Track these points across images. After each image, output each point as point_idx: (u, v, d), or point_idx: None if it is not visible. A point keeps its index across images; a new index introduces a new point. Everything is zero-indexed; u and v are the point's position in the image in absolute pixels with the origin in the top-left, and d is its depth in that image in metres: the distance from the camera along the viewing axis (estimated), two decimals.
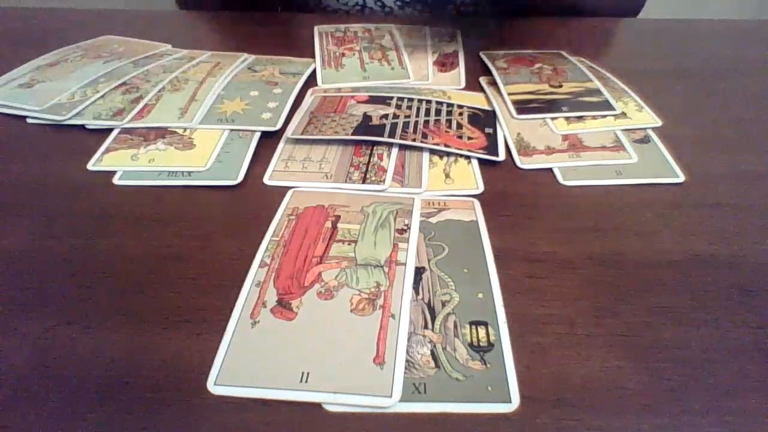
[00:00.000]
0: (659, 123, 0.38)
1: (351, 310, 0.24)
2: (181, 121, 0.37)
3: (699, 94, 0.44)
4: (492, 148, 0.36)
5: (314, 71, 0.45)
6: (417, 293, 0.25)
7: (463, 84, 0.44)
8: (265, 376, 0.22)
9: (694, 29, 0.57)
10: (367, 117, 0.38)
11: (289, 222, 0.30)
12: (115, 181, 0.33)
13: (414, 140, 0.35)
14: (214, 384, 0.21)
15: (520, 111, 0.39)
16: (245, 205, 0.31)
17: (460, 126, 0.38)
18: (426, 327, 0.24)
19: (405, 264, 0.27)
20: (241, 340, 0.23)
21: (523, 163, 0.35)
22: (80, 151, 0.35)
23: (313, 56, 0.48)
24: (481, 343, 0.23)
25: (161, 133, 0.37)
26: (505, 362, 0.22)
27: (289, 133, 0.36)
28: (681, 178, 0.33)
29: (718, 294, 0.26)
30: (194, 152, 0.35)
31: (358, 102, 0.40)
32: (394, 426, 0.20)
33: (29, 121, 0.38)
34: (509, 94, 0.41)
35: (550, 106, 0.40)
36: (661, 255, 0.28)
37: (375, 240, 0.28)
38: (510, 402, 0.21)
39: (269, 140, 0.36)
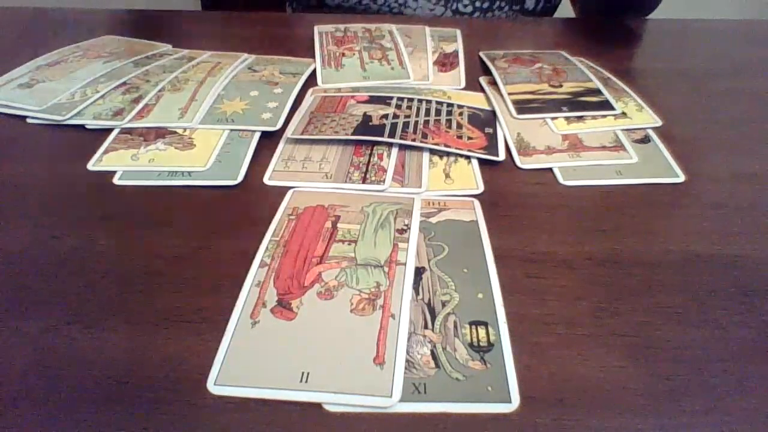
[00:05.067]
0: (659, 123, 0.38)
1: (351, 310, 0.24)
2: (181, 121, 0.37)
3: (699, 94, 0.44)
4: (492, 148, 0.36)
5: (314, 71, 0.45)
6: (417, 293, 0.25)
7: (463, 84, 0.44)
8: (265, 376, 0.22)
9: (694, 29, 0.57)
10: (367, 117, 0.38)
11: (289, 222, 0.30)
12: (115, 181, 0.33)
13: (414, 140, 0.35)
14: (214, 384, 0.21)
15: (520, 111, 0.39)
16: (245, 205, 0.31)
17: (460, 126, 0.38)
18: (426, 327, 0.24)
19: (405, 264, 0.27)
20: (241, 340, 0.23)
21: (523, 163, 0.35)
22: (80, 151, 0.35)
23: (313, 56, 0.48)
24: (481, 343, 0.23)
25: (161, 133, 0.37)
26: (505, 362, 0.22)
27: (289, 133, 0.36)
28: (681, 178, 0.33)
29: (718, 294, 0.26)
30: (194, 152, 0.35)
31: (358, 102, 0.40)
32: (394, 426, 0.20)
33: (29, 121, 0.38)
34: (509, 94, 0.41)
35: (550, 106, 0.40)
36: (661, 255, 0.28)
37: (375, 240, 0.28)
38: (510, 402, 0.21)
39: (269, 140, 0.36)
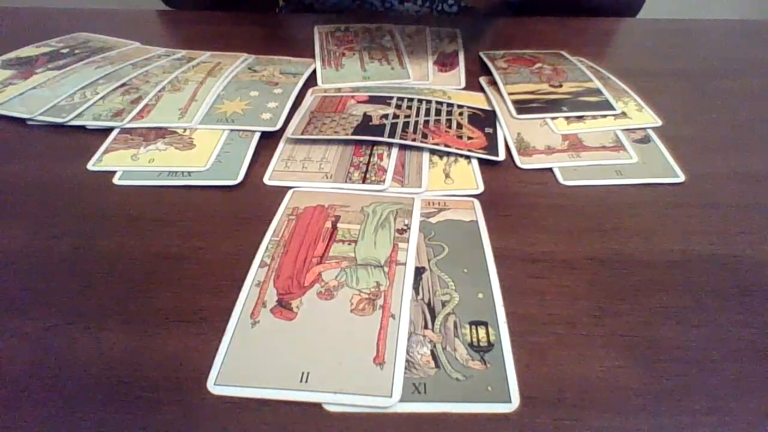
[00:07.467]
0: (659, 123, 0.38)
1: (351, 310, 0.24)
2: (181, 122, 0.37)
3: (699, 94, 0.44)
4: (492, 148, 0.36)
5: (314, 71, 0.46)
6: (417, 293, 0.25)
7: (463, 84, 0.44)
8: (265, 376, 0.22)
9: (694, 29, 0.57)
10: (367, 117, 0.38)
11: (289, 222, 0.30)
12: (115, 181, 0.33)
13: (414, 140, 0.35)
14: (214, 384, 0.21)
15: (520, 111, 0.39)
16: (245, 205, 0.31)
17: (460, 126, 0.38)
18: (426, 327, 0.24)
19: (405, 264, 0.27)
20: (241, 340, 0.23)
21: (523, 163, 0.35)
22: (80, 151, 0.35)
23: (313, 56, 0.48)
24: (481, 343, 0.23)
25: (161, 133, 0.37)
26: (505, 362, 0.22)
27: (289, 133, 0.36)
28: (681, 178, 0.33)
29: (718, 294, 0.26)
30: (194, 152, 0.35)
31: (358, 102, 0.40)
32: (394, 426, 0.20)
33: (30, 122, 0.38)
34: (509, 93, 0.41)
35: (550, 106, 0.40)
36: (661, 255, 0.28)
37: (375, 240, 0.28)
38: (510, 402, 0.21)
39: (269, 140, 0.36)
